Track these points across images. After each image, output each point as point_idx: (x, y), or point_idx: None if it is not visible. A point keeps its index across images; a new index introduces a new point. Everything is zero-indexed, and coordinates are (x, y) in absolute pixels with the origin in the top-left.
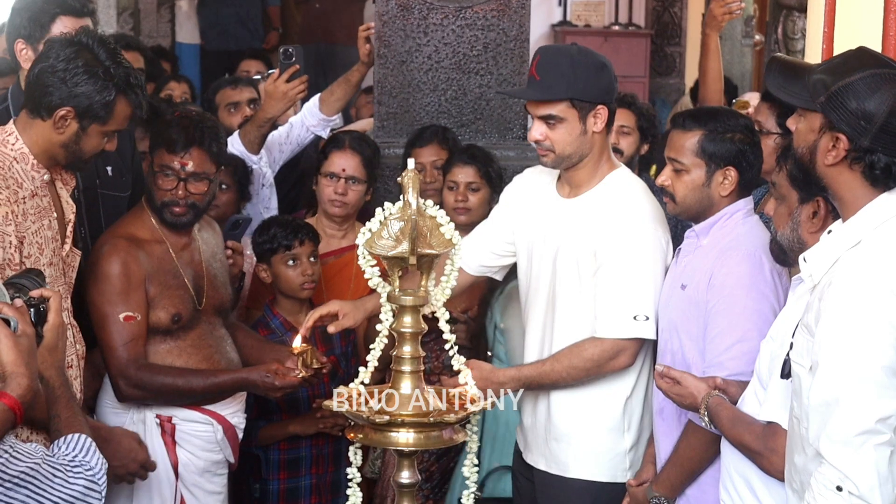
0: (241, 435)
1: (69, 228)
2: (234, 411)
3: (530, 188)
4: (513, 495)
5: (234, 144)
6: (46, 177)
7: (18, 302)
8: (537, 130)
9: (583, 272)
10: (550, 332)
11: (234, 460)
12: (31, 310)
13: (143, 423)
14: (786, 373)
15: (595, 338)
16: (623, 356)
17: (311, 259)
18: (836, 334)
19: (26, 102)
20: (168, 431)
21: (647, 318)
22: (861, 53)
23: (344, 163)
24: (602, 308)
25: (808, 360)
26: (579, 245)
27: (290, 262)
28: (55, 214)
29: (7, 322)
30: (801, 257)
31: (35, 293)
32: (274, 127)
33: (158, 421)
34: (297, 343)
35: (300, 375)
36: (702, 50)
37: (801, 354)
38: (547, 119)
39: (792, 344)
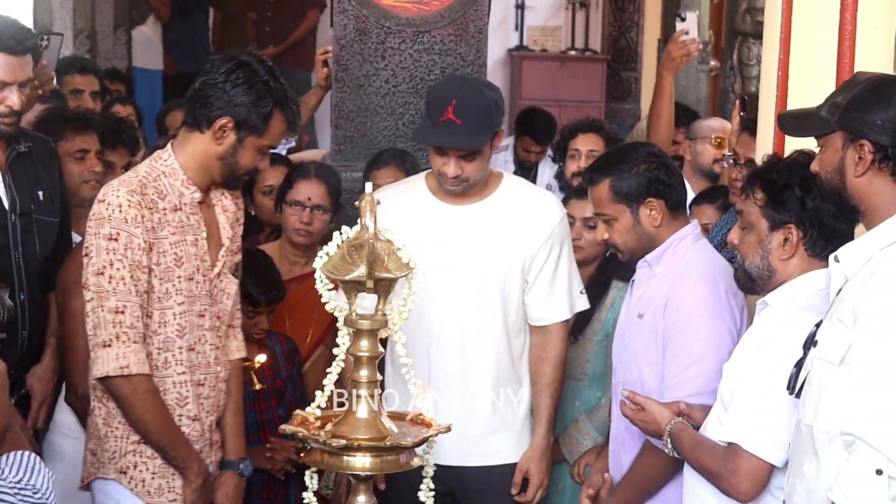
0: None
1: (220, 252)
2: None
3: (401, 204)
4: None
5: None
6: (197, 195)
7: None
8: (455, 168)
9: (520, 265)
10: (463, 324)
11: None
12: None
13: None
14: (795, 388)
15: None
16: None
17: (269, 314)
18: (881, 322)
19: (186, 117)
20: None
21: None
22: (859, 73)
23: (310, 191)
24: (554, 297)
25: (838, 354)
26: (504, 243)
27: (248, 315)
28: (204, 234)
29: None
30: (832, 257)
31: None
32: None
33: None
34: (262, 358)
35: (257, 387)
36: (656, 92)
37: (829, 350)
38: (467, 156)
39: (816, 342)
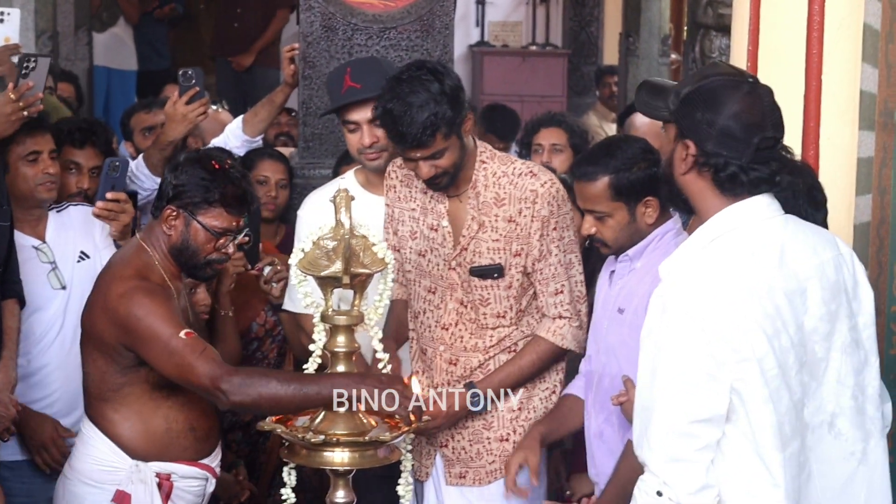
0: None
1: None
2: (218, 462)
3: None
4: None
5: (139, 168)
6: None
7: None
8: (370, 134)
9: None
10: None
11: None
12: None
13: (144, 482)
14: None
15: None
16: None
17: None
18: (653, 337)
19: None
20: (165, 489)
21: None
22: (714, 65)
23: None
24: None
25: None
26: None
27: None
28: None
29: None
30: (659, 266)
31: None
32: (178, 149)
33: (158, 480)
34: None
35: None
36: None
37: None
38: (375, 119)
39: None
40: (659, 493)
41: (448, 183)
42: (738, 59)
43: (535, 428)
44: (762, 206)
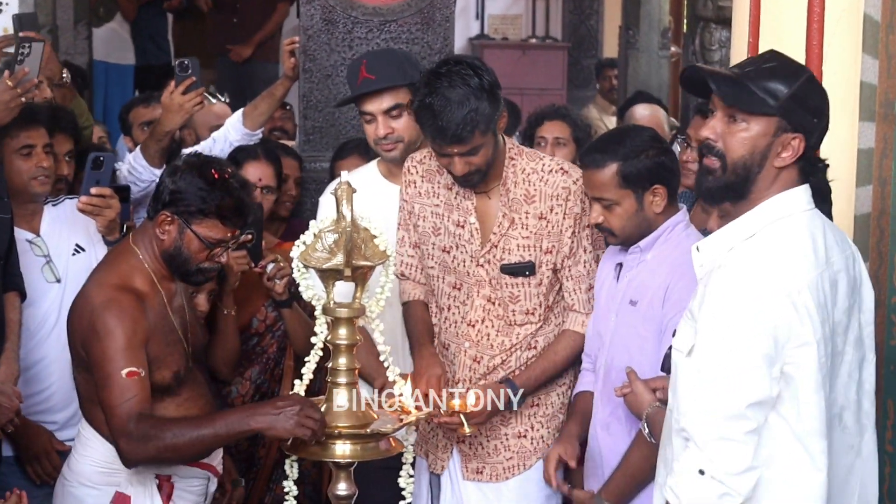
0: None
1: None
2: (220, 459)
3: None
4: None
5: (137, 159)
6: None
7: None
8: (384, 125)
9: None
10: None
11: None
12: None
13: (143, 484)
14: (666, 367)
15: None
16: None
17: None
18: (717, 318)
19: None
20: (166, 491)
21: None
22: (785, 57)
23: (260, 172)
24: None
25: (687, 345)
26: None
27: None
28: None
29: None
30: (693, 247)
31: None
32: (177, 141)
33: (158, 482)
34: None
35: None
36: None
37: (682, 340)
38: (390, 111)
39: (675, 332)
40: (701, 472)
41: (480, 180)
42: (739, 52)
43: (569, 427)
44: (808, 196)
